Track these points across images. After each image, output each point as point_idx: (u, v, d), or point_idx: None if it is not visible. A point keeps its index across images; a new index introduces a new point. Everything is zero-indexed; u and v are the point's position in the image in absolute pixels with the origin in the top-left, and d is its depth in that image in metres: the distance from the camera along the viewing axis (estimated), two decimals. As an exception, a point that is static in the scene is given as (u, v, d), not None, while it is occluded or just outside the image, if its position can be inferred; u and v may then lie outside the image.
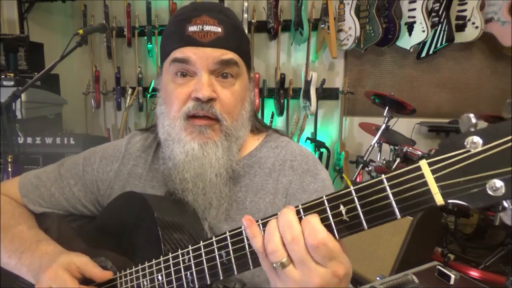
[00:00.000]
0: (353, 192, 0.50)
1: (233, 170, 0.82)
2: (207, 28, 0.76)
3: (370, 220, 0.49)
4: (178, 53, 0.77)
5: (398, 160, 2.49)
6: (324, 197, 0.52)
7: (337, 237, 0.51)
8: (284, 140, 0.91)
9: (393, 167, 2.48)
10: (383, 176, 0.48)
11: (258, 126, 0.93)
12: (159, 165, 0.89)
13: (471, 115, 0.45)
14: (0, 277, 0.92)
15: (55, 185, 0.93)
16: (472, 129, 0.44)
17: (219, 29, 0.76)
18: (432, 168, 0.45)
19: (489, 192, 0.42)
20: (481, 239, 2.88)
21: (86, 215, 0.95)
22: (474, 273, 2.07)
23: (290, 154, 0.87)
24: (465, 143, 0.44)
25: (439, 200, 0.45)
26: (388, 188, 0.48)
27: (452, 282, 1.31)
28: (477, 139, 0.43)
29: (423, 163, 0.46)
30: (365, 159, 2.75)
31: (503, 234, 2.65)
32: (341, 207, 0.50)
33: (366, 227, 0.49)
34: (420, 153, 2.37)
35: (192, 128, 0.78)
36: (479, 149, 0.43)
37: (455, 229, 2.88)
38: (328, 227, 0.51)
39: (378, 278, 1.39)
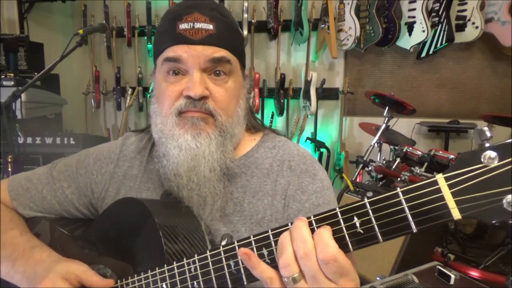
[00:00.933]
0: (368, 204, 0.49)
1: (228, 167, 0.81)
2: (198, 25, 0.75)
3: (385, 233, 0.49)
4: (170, 52, 0.76)
5: (398, 160, 2.49)
6: (338, 209, 0.52)
7: (351, 249, 0.50)
8: (281, 140, 0.90)
9: (393, 167, 2.48)
10: (398, 189, 0.48)
11: (255, 124, 0.92)
12: (154, 166, 0.88)
13: (485, 128, 0.46)
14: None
15: (47, 188, 0.90)
16: (487, 144, 0.44)
17: (211, 26, 0.75)
18: (449, 182, 0.45)
19: (506, 207, 0.42)
20: (481, 239, 2.88)
21: (79, 219, 0.92)
22: (474, 273, 2.07)
23: (288, 154, 0.86)
24: (482, 158, 0.44)
25: (456, 215, 0.45)
26: (404, 201, 0.47)
27: (452, 282, 1.31)
28: (494, 154, 0.43)
29: (440, 178, 0.46)
30: (365, 159, 2.75)
31: (503, 234, 2.65)
32: (355, 219, 0.50)
33: (381, 240, 0.49)
34: (420, 153, 2.37)
35: (185, 120, 0.77)
36: (496, 164, 0.43)
37: (455, 229, 2.88)
38: (342, 239, 0.50)
39: (378, 278, 1.39)
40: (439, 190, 0.46)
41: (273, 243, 0.54)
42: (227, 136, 0.80)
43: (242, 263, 0.57)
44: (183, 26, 0.75)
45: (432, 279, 1.35)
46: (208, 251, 0.62)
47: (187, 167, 0.77)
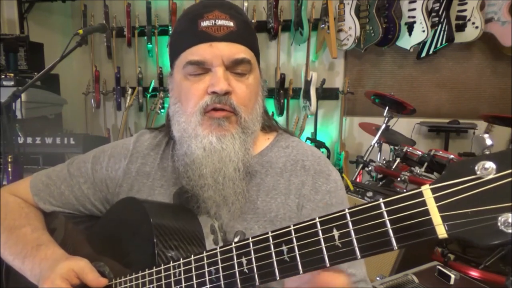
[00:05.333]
0: (348, 215, 0.46)
1: (250, 165, 0.82)
2: (220, 22, 0.76)
3: (364, 249, 0.44)
4: (194, 54, 0.76)
5: (398, 160, 2.49)
6: (317, 219, 0.48)
7: (327, 264, 0.47)
8: (294, 140, 0.91)
9: (393, 167, 2.48)
10: (380, 200, 0.44)
11: (269, 124, 0.93)
12: (168, 164, 0.89)
13: (486, 136, 0.41)
14: (2, 278, 0.92)
15: (64, 184, 0.93)
16: (487, 152, 0.41)
17: (232, 24, 0.77)
18: (435, 195, 0.40)
19: (501, 227, 0.36)
20: (481, 239, 2.87)
21: (95, 215, 0.95)
22: (474, 273, 2.06)
23: (302, 154, 0.87)
24: (476, 169, 0.38)
25: (441, 232, 0.39)
26: (385, 214, 0.43)
27: (452, 282, 1.32)
28: (489, 164, 0.37)
29: (426, 189, 0.41)
30: (365, 159, 2.75)
31: (503, 234, 2.64)
32: (334, 231, 0.46)
33: (359, 256, 0.44)
34: (420, 153, 2.37)
35: (210, 121, 0.77)
36: (492, 176, 0.37)
37: (455, 229, 2.87)
38: (319, 252, 0.47)
39: (378, 278, 1.39)
40: (423, 203, 0.40)
41: (272, 246, 0.52)
42: (248, 133, 0.81)
43: (222, 271, 0.57)
44: (205, 23, 0.76)
45: (432, 279, 1.35)
46: (192, 256, 0.61)
47: (212, 168, 0.78)
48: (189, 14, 0.80)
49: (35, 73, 2.93)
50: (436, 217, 0.40)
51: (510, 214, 0.35)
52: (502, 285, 1.95)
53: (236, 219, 0.81)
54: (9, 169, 1.82)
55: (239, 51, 0.77)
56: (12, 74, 2.69)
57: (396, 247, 0.42)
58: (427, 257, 2.10)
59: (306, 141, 3.49)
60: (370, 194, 2.12)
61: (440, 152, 2.29)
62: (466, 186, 0.38)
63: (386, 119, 2.76)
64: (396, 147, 2.55)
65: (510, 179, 0.36)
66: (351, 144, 3.73)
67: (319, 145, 3.44)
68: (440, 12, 3.15)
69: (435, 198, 0.40)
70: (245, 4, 3.51)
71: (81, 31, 1.65)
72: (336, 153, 3.67)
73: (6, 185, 1.04)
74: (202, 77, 0.78)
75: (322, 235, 0.47)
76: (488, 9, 3.14)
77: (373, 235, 0.43)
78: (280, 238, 0.51)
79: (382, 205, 0.43)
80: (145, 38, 3.81)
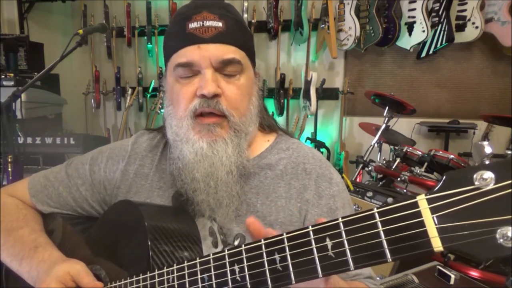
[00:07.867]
0: (341, 225, 0.45)
1: (244, 167, 0.81)
2: (207, 23, 0.75)
3: (357, 260, 0.43)
4: (182, 57, 0.76)
5: (398, 160, 2.49)
6: (310, 227, 0.47)
7: (320, 275, 0.46)
8: (294, 142, 0.90)
9: (393, 167, 2.48)
10: (375, 209, 0.42)
11: (269, 124, 0.91)
12: (166, 166, 0.88)
13: (485, 143, 0.40)
14: (2, 278, 0.92)
15: (62, 185, 0.92)
16: (487, 162, 0.40)
17: (220, 24, 0.76)
18: (431, 206, 0.39)
19: (500, 241, 0.34)
20: (481, 239, 2.86)
21: (93, 216, 0.94)
22: (474, 273, 2.06)
23: (303, 157, 0.86)
24: (474, 179, 0.37)
25: (437, 245, 0.38)
26: (379, 224, 0.42)
27: (452, 282, 1.32)
28: (488, 174, 0.36)
29: (422, 199, 0.39)
30: (365, 159, 2.75)
31: (503, 234, 2.64)
32: (327, 240, 0.45)
33: (352, 267, 0.43)
34: (420, 153, 2.37)
35: (200, 127, 0.77)
36: (491, 187, 0.36)
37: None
38: (311, 262, 0.46)
39: (378, 278, 1.39)
40: (419, 214, 0.39)
41: (264, 254, 0.51)
42: (241, 136, 0.80)
43: (215, 278, 0.56)
44: (192, 25, 0.76)
45: (432, 279, 1.35)
46: (185, 262, 0.61)
47: (204, 172, 0.77)
48: (179, 15, 0.80)
49: (35, 73, 2.93)
50: (431, 229, 0.38)
51: (509, 228, 0.34)
52: (502, 285, 1.94)
53: (234, 221, 0.80)
54: (9, 169, 1.82)
55: (228, 52, 0.76)
56: (12, 74, 2.69)
57: (390, 259, 0.41)
58: (427, 257, 2.10)
59: (306, 141, 3.49)
60: (370, 194, 2.12)
61: (440, 152, 2.29)
62: (463, 197, 0.37)
63: (386, 119, 2.75)
64: (396, 147, 2.55)
65: (509, 190, 0.35)
66: (351, 144, 3.73)
67: (319, 145, 3.44)
68: (440, 12, 3.15)
69: (431, 209, 0.39)
70: (245, 4, 3.51)
71: (81, 31, 1.64)
72: (336, 153, 3.66)
73: (6, 185, 1.03)
74: (191, 79, 0.77)
75: (315, 244, 0.46)
76: (488, 9, 3.13)
77: (366, 246, 0.42)
78: (273, 246, 0.51)
79: (376, 214, 0.42)
80: (145, 38, 3.81)
